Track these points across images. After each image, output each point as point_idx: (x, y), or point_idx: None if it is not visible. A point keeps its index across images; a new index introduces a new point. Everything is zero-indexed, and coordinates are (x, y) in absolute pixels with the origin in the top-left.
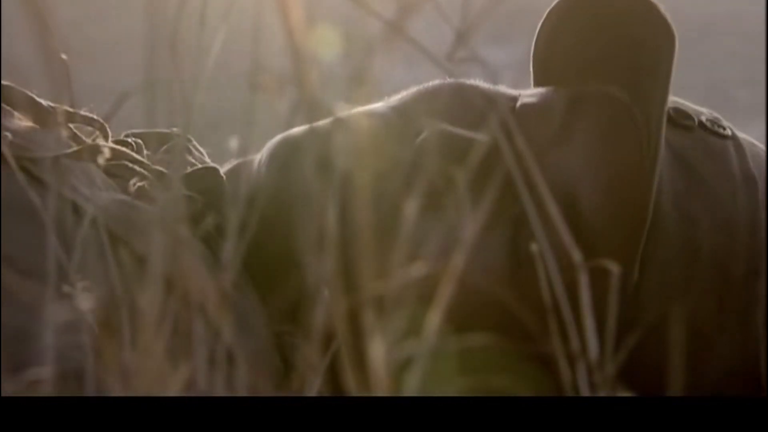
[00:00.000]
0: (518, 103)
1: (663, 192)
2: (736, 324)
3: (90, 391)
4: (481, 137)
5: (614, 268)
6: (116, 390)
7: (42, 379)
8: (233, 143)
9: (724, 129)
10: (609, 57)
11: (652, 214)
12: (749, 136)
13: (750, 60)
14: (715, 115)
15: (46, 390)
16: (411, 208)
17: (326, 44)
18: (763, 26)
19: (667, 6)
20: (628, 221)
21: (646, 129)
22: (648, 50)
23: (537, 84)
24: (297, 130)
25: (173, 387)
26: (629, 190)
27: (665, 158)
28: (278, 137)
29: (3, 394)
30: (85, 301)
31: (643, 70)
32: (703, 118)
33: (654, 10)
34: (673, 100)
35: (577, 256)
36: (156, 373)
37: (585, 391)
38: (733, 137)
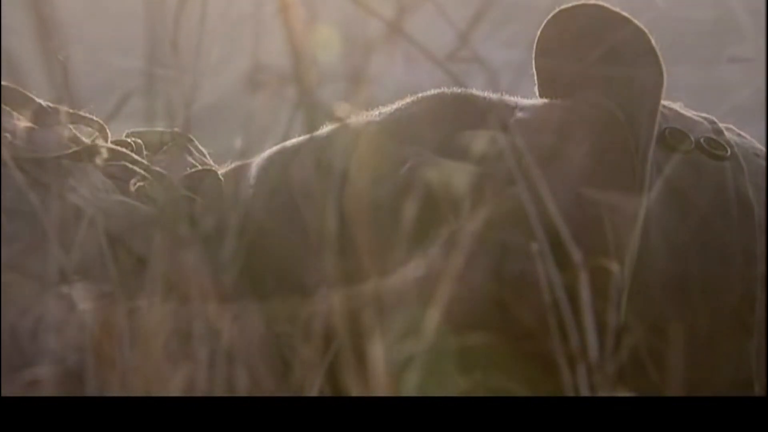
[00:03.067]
0: (513, 119)
1: (652, 225)
2: (729, 353)
3: (90, 391)
4: (467, 167)
5: (614, 267)
6: (116, 390)
7: (42, 379)
8: (238, 143)
9: (724, 148)
10: (602, 77)
11: (639, 248)
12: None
13: (750, 60)
14: (718, 126)
15: (46, 390)
16: (399, 238)
17: (326, 44)
18: (764, 26)
19: (668, 7)
20: (614, 244)
21: (635, 152)
22: (637, 78)
23: (541, 88)
24: (293, 140)
25: (173, 387)
26: (615, 221)
27: (656, 188)
28: (275, 147)
29: (3, 394)
30: (85, 302)
31: (633, 96)
32: (702, 139)
33: (645, 40)
34: (674, 113)
35: (578, 256)
36: (156, 373)
37: (585, 392)
38: (732, 157)
